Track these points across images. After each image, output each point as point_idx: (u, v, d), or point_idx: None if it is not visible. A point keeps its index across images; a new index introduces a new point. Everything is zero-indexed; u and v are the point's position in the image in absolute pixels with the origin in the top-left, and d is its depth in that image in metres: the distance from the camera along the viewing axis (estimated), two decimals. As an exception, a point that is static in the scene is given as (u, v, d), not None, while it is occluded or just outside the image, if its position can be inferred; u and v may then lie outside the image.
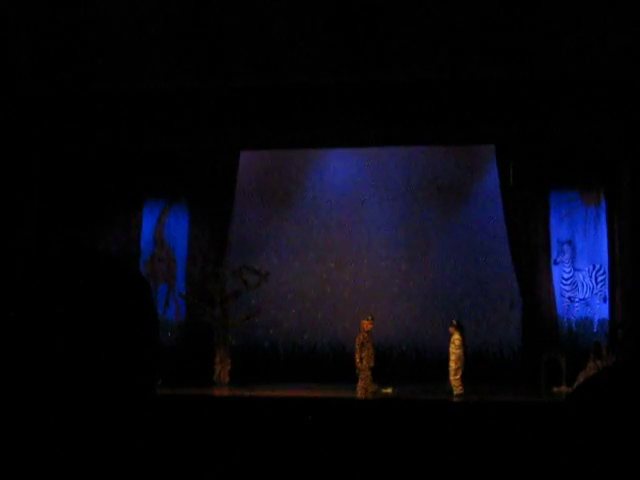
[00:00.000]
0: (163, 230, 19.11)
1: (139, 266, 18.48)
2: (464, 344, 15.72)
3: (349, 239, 19.16)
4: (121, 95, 14.87)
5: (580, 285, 17.60)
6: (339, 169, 19.36)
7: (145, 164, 17.85)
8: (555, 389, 15.72)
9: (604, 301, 17.38)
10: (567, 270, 17.65)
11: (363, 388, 15.47)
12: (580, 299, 17.57)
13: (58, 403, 1.32)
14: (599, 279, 17.49)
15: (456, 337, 15.74)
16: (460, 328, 15.84)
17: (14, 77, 14.38)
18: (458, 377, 15.48)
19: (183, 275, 18.92)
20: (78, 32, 14.26)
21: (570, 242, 17.70)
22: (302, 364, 18.49)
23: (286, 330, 19.00)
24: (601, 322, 17.33)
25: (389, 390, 15.74)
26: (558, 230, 17.73)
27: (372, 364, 15.69)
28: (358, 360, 15.62)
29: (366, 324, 15.95)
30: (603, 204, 17.44)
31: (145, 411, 1.41)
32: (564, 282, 17.64)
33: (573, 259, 17.66)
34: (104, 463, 1.35)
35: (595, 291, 17.51)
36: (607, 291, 17.34)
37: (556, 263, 17.69)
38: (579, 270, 17.62)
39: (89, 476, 1.33)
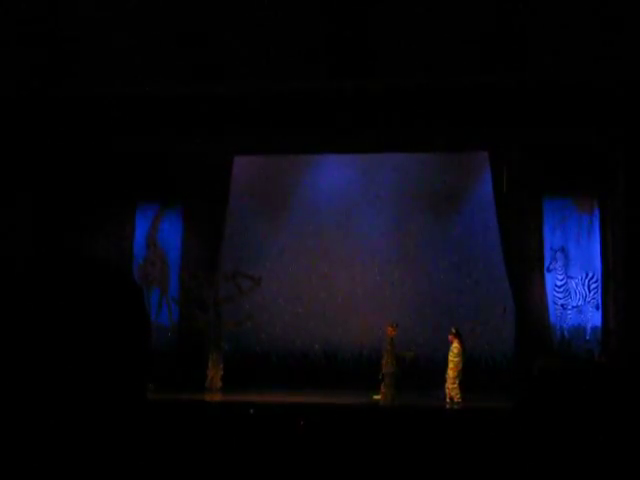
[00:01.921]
0: (156, 234, 19.07)
1: (132, 270, 18.44)
2: (463, 352, 15.75)
3: (342, 245, 19.16)
4: (115, 99, 14.84)
5: (573, 293, 17.60)
6: (332, 175, 19.36)
7: (139, 168, 17.80)
8: (547, 396, 15.70)
9: (597, 309, 17.37)
10: (560, 277, 17.65)
11: (387, 394, 15.47)
12: (573, 307, 17.57)
13: (50, 406, 1.31)
14: (592, 287, 17.50)
15: (455, 345, 15.77)
16: (459, 336, 15.87)
17: (7, 79, 14.35)
18: (456, 385, 15.49)
19: (176, 279, 18.88)
20: (73, 35, 14.24)
21: (563, 250, 17.70)
22: (294, 370, 18.47)
23: (278, 335, 18.98)
24: (594, 330, 17.33)
25: (379, 396, 15.72)
26: (551, 237, 17.73)
27: (396, 371, 15.72)
28: (384, 368, 15.66)
29: (390, 330, 16.00)
30: (596, 212, 17.44)
31: (136, 414, 1.40)
32: (557, 289, 17.64)
33: (566, 267, 17.66)
34: (96, 466, 1.34)
35: (588, 299, 17.51)
36: (600, 299, 17.34)
37: (549, 270, 17.68)
38: (572, 278, 17.62)
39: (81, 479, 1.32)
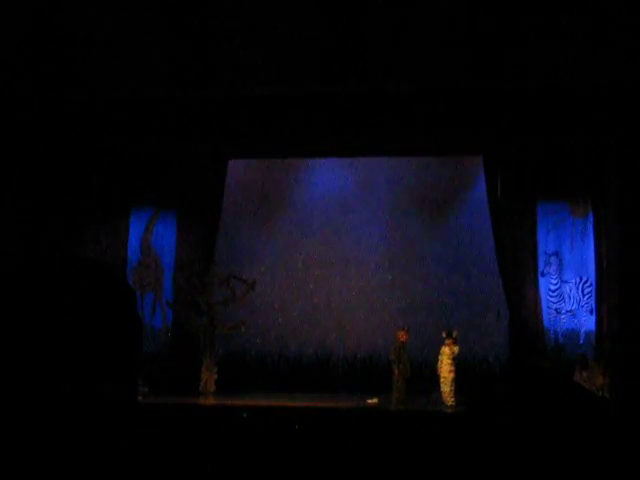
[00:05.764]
0: (150, 238, 19.04)
1: (126, 274, 18.40)
2: (458, 355, 15.73)
3: (336, 249, 19.16)
4: (109, 102, 14.84)
5: (567, 297, 17.61)
6: (326, 179, 19.37)
7: (133, 172, 17.78)
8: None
9: (591, 313, 17.38)
10: (554, 282, 17.66)
11: (398, 400, 15.39)
12: (567, 311, 17.58)
13: (41, 408, 1.31)
14: (586, 291, 17.51)
15: (450, 348, 15.75)
16: (454, 339, 15.85)
17: (3, 81, 14.34)
18: (451, 389, 15.47)
19: (170, 283, 18.85)
20: (67, 36, 14.24)
21: (557, 254, 17.71)
22: (288, 374, 18.45)
23: (273, 339, 18.96)
24: (587, 334, 17.33)
25: (375, 400, 15.69)
26: (545, 241, 17.75)
27: (408, 375, 15.63)
28: (397, 372, 15.55)
29: (401, 335, 15.90)
30: (590, 216, 17.46)
31: (127, 417, 1.40)
32: (551, 294, 17.65)
33: (560, 271, 17.67)
34: (88, 469, 1.33)
35: (582, 303, 17.53)
36: (594, 303, 17.35)
37: (543, 275, 17.70)
38: (566, 282, 17.63)
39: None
